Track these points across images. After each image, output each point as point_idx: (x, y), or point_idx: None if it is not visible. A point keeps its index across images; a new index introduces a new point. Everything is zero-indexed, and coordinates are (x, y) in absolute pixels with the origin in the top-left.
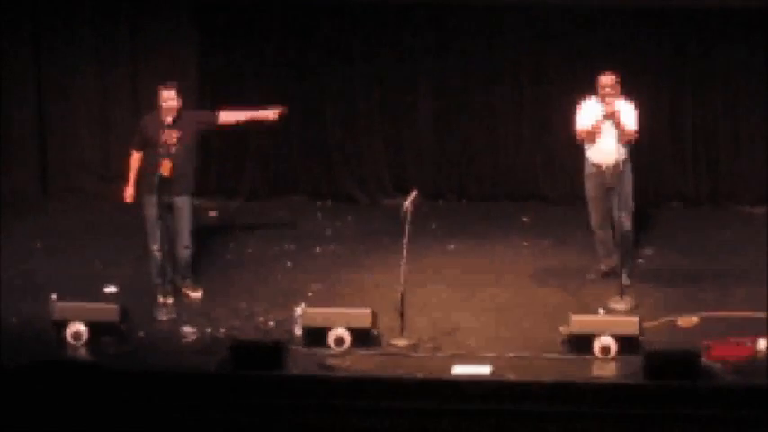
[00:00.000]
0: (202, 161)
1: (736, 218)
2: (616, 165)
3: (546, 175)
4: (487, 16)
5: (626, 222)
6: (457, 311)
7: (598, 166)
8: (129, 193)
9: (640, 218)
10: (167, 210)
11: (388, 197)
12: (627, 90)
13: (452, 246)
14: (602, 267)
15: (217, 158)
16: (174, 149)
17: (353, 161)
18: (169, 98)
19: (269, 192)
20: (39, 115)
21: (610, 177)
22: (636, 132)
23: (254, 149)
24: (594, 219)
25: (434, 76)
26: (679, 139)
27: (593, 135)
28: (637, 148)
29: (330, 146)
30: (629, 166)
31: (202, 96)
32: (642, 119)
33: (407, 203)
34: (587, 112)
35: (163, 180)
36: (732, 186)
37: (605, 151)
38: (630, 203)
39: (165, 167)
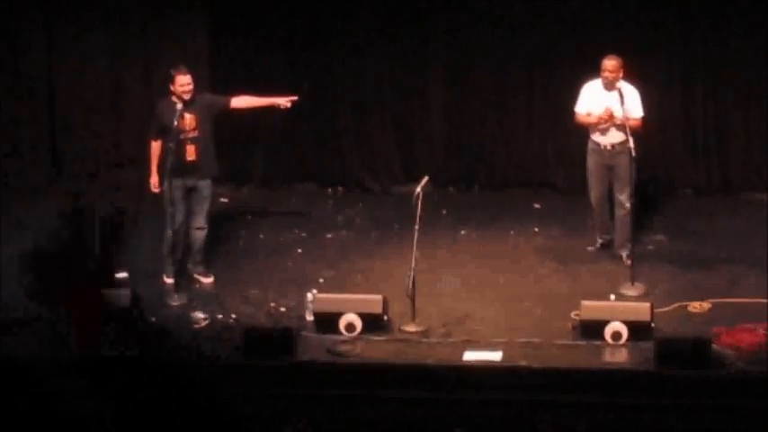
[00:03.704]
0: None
1: (747, 206)
2: (613, 145)
3: (557, 162)
4: (499, 3)
5: (625, 202)
6: (468, 298)
7: (597, 144)
8: (154, 182)
9: (652, 206)
10: (188, 193)
11: (399, 185)
12: (639, 78)
13: (463, 231)
14: (600, 240)
15: (228, 146)
16: (194, 133)
17: (365, 149)
18: (186, 83)
19: (280, 179)
20: (51, 103)
21: (608, 156)
22: (642, 119)
23: (265, 137)
24: (593, 194)
25: (446, 63)
26: (690, 127)
27: (590, 126)
28: (649, 136)
29: (341, 133)
30: (629, 146)
31: (214, 83)
32: (653, 107)
33: (419, 189)
34: (588, 97)
35: (186, 165)
36: (743, 175)
37: (604, 131)
38: (630, 184)
39: (190, 152)
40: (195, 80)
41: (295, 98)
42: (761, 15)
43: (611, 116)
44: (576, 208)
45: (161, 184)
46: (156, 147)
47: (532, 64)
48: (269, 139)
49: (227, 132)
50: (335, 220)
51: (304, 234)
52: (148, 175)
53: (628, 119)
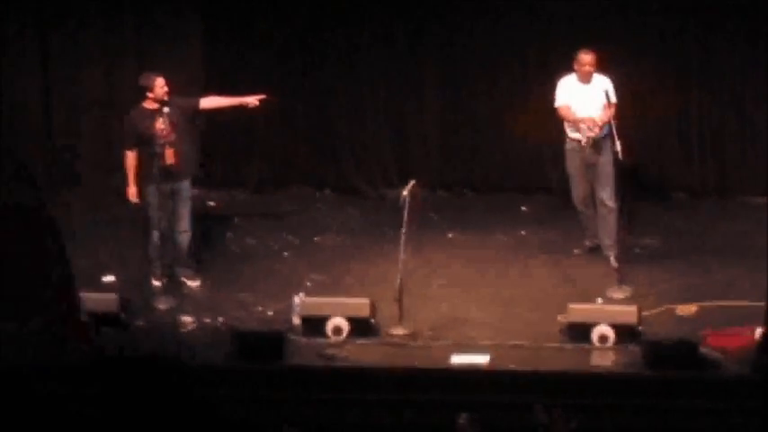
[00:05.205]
0: (209, 153)
1: (741, 209)
2: (596, 140)
3: (553, 164)
4: (494, 7)
5: (607, 200)
6: (456, 301)
7: (577, 142)
8: (132, 191)
9: (646, 208)
10: (169, 196)
11: (393, 188)
12: (635, 78)
13: (450, 234)
14: (587, 243)
15: (222, 149)
16: (170, 137)
17: (359, 152)
18: (164, 84)
19: (274, 183)
20: (44, 106)
21: (589, 153)
22: (613, 105)
23: (259, 140)
24: (576, 195)
25: (440, 66)
26: (685, 130)
27: (573, 121)
28: (643, 138)
29: (335, 137)
30: (609, 142)
31: (209, 86)
32: (649, 109)
33: (405, 193)
34: (566, 91)
35: (165, 168)
36: (738, 177)
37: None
38: (611, 181)
39: (169, 156)
40: (176, 83)
41: (263, 96)
42: (757, 15)
43: (594, 123)
44: (570, 210)
45: (141, 190)
46: (132, 156)
47: (527, 65)
48: (263, 143)
49: (221, 138)
50: (328, 223)
51: (296, 238)
52: (127, 185)
53: (610, 107)
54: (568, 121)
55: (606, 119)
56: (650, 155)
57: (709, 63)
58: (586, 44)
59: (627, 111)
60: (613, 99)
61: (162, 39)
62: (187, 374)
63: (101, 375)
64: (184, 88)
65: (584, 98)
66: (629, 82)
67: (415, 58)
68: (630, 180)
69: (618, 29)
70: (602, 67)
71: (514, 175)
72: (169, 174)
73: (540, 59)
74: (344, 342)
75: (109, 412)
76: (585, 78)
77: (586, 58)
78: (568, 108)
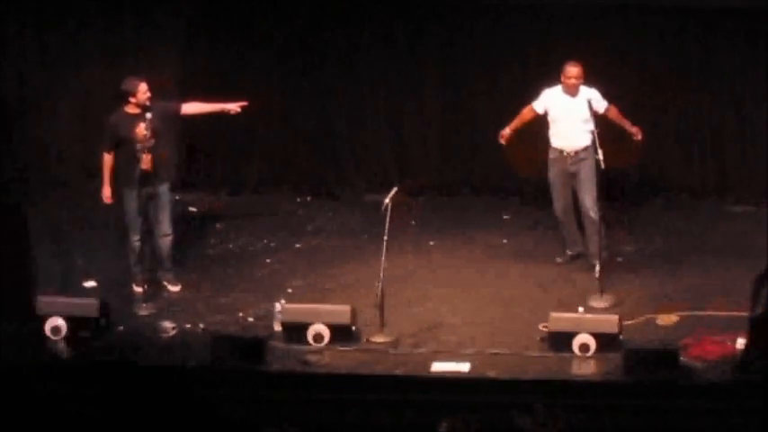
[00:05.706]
0: (209, 153)
1: (738, 212)
2: (577, 152)
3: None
4: (494, 7)
5: (590, 209)
6: (438, 308)
7: (560, 151)
8: (106, 193)
9: (646, 208)
10: (148, 201)
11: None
12: (634, 79)
13: (432, 242)
14: (569, 252)
15: (223, 150)
16: (151, 142)
17: (359, 152)
18: (147, 89)
19: (274, 183)
20: (44, 106)
21: (572, 162)
22: (611, 105)
23: (260, 141)
24: (557, 204)
25: (440, 67)
26: (685, 130)
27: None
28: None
29: (335, 137)
30: (592, 152)
31: (208, 89)
32: (649, 109)
33: (387, 200)
34: (548, 101)
35: (144, 173)
36: (738, 177)
37: (567, 136)
38: (594, 189)
39: (146, 161)
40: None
41: (245, 103)
42: (757, 15)
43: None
44: None
45: (117, 194)
46: (109, 159)
47: (527, 65)
48: (263, 142)
49: (222, 136)
50: (325, 224)
51: (292, 240)
52: (102, 186)
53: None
54: (520, 121)
55: (621, 120)
56: (650, 155)
57: (709, 63)
58: (586, 44)
59: (627, 111)
60: (603, 103)
61: (162, 39)
62: (182, 378)
63: (95, 377)
64: (184, 88)
65: (568, 110)
66: (629, 82)
67: (415, 58)
68: (628, 181)
69: (618, 29)
70: (591, 76)
71: (514, 176)
72: (149, 178)
73: (540, 59)
74: (325, 349)
75: (107, 412)
76: (571, 91)
77: (573, 70)
78: (532, 111)
